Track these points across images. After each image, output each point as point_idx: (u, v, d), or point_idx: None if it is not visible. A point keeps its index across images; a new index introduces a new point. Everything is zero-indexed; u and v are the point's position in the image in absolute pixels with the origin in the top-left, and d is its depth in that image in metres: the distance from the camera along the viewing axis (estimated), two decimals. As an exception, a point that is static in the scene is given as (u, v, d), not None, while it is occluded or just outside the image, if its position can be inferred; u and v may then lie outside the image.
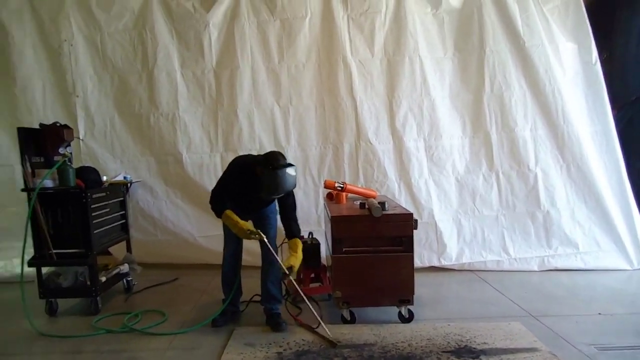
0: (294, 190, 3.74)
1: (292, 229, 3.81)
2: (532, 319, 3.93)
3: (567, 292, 4.64)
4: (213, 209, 3.74)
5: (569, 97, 5.37)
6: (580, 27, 5.40)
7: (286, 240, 3.83)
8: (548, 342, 3.44)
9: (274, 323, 3.77)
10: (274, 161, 3.50)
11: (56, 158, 4.26)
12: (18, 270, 3.99)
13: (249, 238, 3.66)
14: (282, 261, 3.72)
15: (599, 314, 4.03)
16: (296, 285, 3.79)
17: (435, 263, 5.40)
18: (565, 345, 3.43)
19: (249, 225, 3.72)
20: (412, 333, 3.63)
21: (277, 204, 3.88)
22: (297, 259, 3.67)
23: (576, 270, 5.26)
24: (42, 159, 4.26)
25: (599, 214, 5.35)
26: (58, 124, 4.37)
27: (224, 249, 3.98)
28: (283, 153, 5.06)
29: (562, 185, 5.39)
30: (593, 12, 5.45)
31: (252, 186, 3.58)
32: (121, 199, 4.83)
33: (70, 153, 4.47)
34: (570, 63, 5.44)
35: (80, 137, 5.47)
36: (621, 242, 5.31)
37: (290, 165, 3.54)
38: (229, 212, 3.64)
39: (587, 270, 5.24)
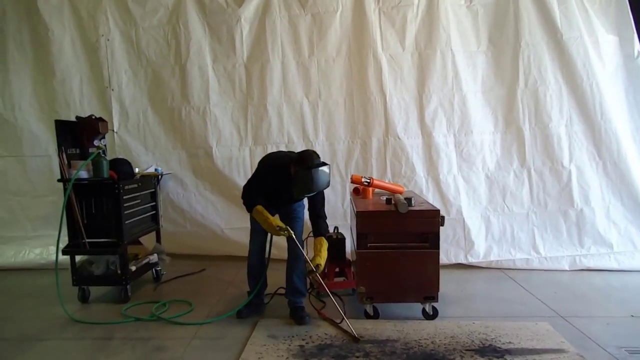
0: None
1: (319, 227, 3.80)
2: (561, 319, 3.84)
3: (599, 293, 4.51)
4: (245, 204, 3.78)
5: (608, 91, 5.19)
6: (623, 18, 5.21)
7: (312, 234, 3.84)
8: (576, 343, 3.36)
9: (298, 316, 3.79)
10: (309, 160, 3.51)
11: (91, 150, 4.37)
12: (53, 257, 4.13)
13: (278, 234, 3.68)
14: (307, 255, 3.74)
15: (632, 316, 3.92)
16: (321, 281, 3.81)
17: (462, 260, 5.33)
18: (594, 347, 3.35)
19: (278, 221, 3.75)
20: (436, 330, 3.60)
21: (305, 199, 3.88)
22: (321, 259, 3.67)
23: (609, 270, 5.10)
24: (78, 151, 4.39)
25: (636, 213, 5.19)
26: (94, 117, 4.49)
27: (250, 242, 4.02)
28: (312, 147, 5.13)
29: (597, 183, 5.23)
30: (636, 3, 5.23)
31: (284, 184, 3.61)
32: (152, 190, 4.95)
33: (105, 145, 4.58)
34: (611, 56, 5.26)
35: (115, 130, 5.61)
36: (659, 242, 5.13)
37: (325, 164, 3.55)
38: (259, 207, 3.66)
39: (621, 271, 5.08)
